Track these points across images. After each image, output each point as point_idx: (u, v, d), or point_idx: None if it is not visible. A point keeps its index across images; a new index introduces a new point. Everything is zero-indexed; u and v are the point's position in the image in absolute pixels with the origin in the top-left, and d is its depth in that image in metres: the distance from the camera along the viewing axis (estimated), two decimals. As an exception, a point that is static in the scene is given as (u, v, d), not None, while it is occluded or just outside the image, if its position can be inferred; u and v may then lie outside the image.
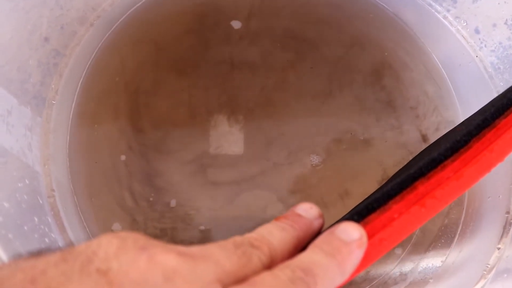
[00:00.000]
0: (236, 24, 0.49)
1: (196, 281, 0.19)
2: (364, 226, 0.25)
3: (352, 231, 0.24)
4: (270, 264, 0.23)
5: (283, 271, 0.21)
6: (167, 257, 0.20)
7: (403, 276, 0.45)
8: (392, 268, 0.45)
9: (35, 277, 0.19)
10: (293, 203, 0.44)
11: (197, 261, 0.20)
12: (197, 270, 0.20)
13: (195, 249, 0.21)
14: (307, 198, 0.46)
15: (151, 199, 0.45)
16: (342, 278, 0.23)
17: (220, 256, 0.21)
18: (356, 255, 0.24)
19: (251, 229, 0.25)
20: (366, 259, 0.25)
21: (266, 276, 0.21)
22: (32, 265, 0.19)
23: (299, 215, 0.27)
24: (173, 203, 0.45)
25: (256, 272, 0.21)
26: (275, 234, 0.25)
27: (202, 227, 0.44)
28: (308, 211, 0.27)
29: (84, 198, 0.45)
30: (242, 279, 0.21)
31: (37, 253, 0.20)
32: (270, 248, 0.23)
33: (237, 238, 0.23)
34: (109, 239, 0.20)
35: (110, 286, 0.19)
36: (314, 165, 0.46)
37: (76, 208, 0.44)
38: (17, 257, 0.20)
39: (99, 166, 0.45)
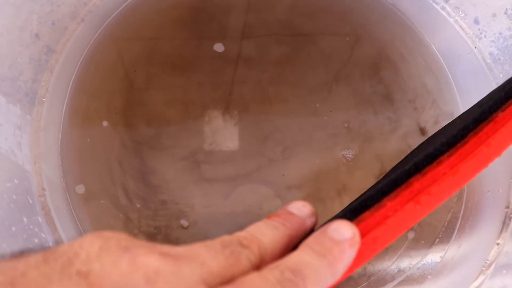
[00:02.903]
0: (219, 48, 0.48)
1: (180, 283, 0.19)
2: (358, 224, 0.25)
3: (345, 230, 0.24)
4: (260, 264, 0.22)
5: (271, 272, 0.21)
6: (149, 258, 0.19)
7: (402, 272, 0.45)
8: (390, 264, 0.45)
9: (15, 279, 0.18)
10: (290, 199, 0.44)
11: (181, 262, 0.20)
12: (181, 271, 0.19)
13: (180, 249, 0.21)
14: (303, 194, 0.45)
15: (144, 196, 0.44)
16: (333, 279, 0.23)
17: (206, 256, 0.20)
18: (348, 255, 0.23)
19: (247, 225, 0.25)
20: (360, 258, 0.24)
21: (254, 277, 0.20)
22: (13, 267, 0.19)
23: (292, 213, 0.27)
24: (184, 223, 0.44)
25: (245, 273, 0.21)
26: (266, 233, 0.24)
27: (196, 225, 0.44)
28: (300, 209, 0.27)
29: (77, 197, 0.44)
30: (229, 280, 0.20)
31: (20, 254, 0.20)
32: (260, 247, 0.23)
33: (226, 238, 0.23)
34: (92, 239, 0.20)
35: None
36: (310, 160, 0.46)
37: (69, 207, 0.44)
38: None
39: (92, 164, 0.45)
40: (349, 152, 0.46)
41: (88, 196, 0.44)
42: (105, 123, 0.46)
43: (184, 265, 0.20)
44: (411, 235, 0.45)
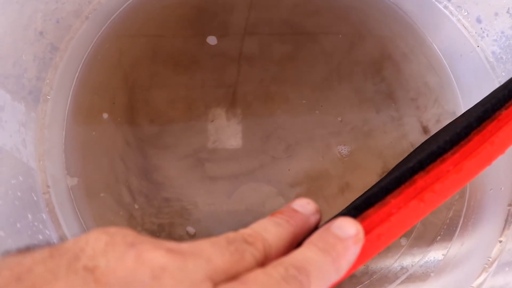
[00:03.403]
0: (212, 40, 0.48)
1: (185, 279, 0.19)
2: (362, 221, 0.25)
3: (348, 227, 0.24)
4: (264, 261, 0.22)
5: (276, 269, 0.21)
6: (155, 254, 0.19)
7: (404, 270, 0.45)
8: (393, 262, 0.45)
9: (21, 274, 0.18)
10: (293, 197, 0.44)
11: (187, 258, 0.20)
12: (187, 267, 0.19)
13: (185, 246, 0.21)
14: (306, 192, 0.45)
15: (148, 194, 0.44)
16: (337, 275, 0.23)
17: (212, 253, 0.21)
18: (352, 252, 0.23)
19: (250, 223, 0.25)
20: (363, 255, 0.24)
21: (259, 273, 0.20)
22: (19, 262, 0.19)
23: (296, 211, 0.27)
24: (191, 230, 0.44)
25: (249, 269, 0.21)
26: (270, 230, 0.24)
27: (200, 222, 0.44)
28: (305, 206, 0.27)
29: (81, 194, 0.45)
30: (234, 276, 0.20)
31: (26, 250, 0.20)
32: (265, 244, 0.23)
33: (230, 234, 0.23)
34: (98, 235, 0.20)
35: (96, 284, 0.18)
36: (313, 158, 0.46)
37: (72, 204, 0.44)
38: (5, 254, 0.20)
39: (96, 161, 0.45)
40: (351, 150, 0.46)
41: (91, 193, 0.44)
42: (108, 121, 0.46)
43: (189, 261, 0.20)
44: (413, 233, 0.46)
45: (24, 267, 0.19)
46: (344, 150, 0.46)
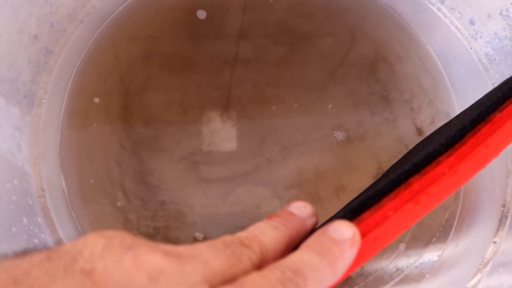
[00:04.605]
0: (201, 14, 0.48)
1: (182, 282, 0.19)
2: (358, 224, 0.25)
3: (345, 230, 0.24)
4: (261, 264, 0.23)
5: (272, 272, 0.21)
6: (153, 257, 0.19)
7: (399, 271, 0.45)
8: (388, 263, 0.45)
9: (19, 277, 0.18)
10: (288, 199, 0.44)
11: (184, 261, 0.20)
12: (184, 270, 0.19)
13: (182, 249, 0.21)
14: (302, 194, 0.45)
15: (143, 197, 0.44)
16: (334, 278, 0.23)
17: (209, 256, 0.21)
18: (348, 255, 0.23)
19: (246, 225, 0.25)
20: (360, 258, 0.24)
21: (255, 276, 0.21)
22: (16, 265, 0.19)
23: (292, 214, 0.27)
24: (199, 236, 0.44)
25: (246, 272, 0.21)
26: (267, 233, 0.24)
27: (195, 225, 0.44)
28: (301, 209, 0.27)
29: (76, 198, 0.44)
30: (231, 279, 0.20)
31: (23, 253, 0.20)
32: (261, 247, 0.23)
33: (227, 237, 0.23)
34: (95, 238, 0.20)
35: (94, 286, 0.18)
36: (308, 160, 0.46)
37: (68, 208, 0.44)
38: (2, 258, 0.20)
39: (91, 165, 0.45)
40: (346, 152, 0.46)
41: (86, 197, 0.44)
42: (103, 124, 0.46)
43: (187, 264, 0.20)
44: (409, 234, 0.46)
45: (21, 270, 0.19)
46: (339, 152, 0.46)
